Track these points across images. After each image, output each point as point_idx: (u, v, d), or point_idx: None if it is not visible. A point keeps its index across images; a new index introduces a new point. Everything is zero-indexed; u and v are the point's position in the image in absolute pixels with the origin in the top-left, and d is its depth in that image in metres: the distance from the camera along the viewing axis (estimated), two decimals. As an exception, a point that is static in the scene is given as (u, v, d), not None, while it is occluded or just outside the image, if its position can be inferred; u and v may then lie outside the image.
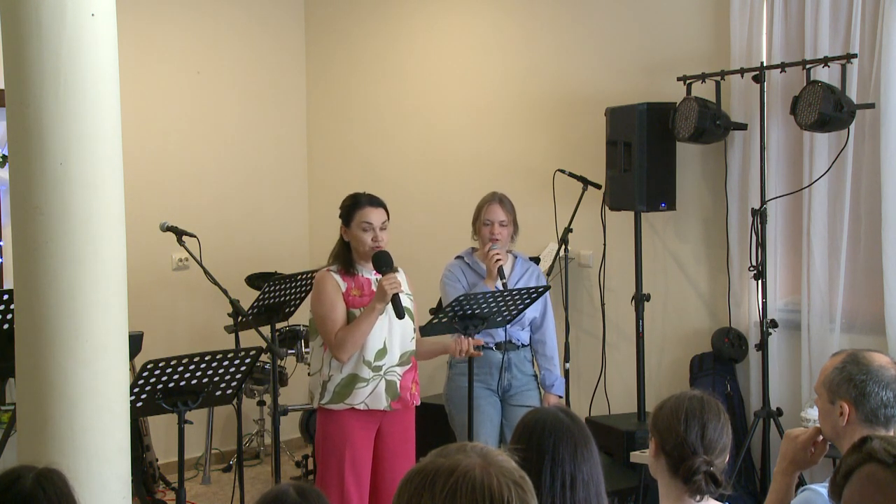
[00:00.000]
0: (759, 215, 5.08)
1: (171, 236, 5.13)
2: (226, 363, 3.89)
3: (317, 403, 4.36)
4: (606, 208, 5.62)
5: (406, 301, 4.34)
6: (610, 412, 5.83)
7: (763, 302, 5.13)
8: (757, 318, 5.24)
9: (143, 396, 3.76)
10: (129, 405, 3.48)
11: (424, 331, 4.55)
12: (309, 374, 4.58)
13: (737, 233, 5.39)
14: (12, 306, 3.71)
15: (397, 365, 4.33)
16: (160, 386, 3.77)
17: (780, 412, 5.08)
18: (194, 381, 3.83)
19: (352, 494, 4.23)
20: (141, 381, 3.73)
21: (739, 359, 5.40)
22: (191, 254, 5.00)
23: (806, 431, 2.89)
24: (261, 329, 4.95)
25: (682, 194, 5.57)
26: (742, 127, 5.29)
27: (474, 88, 6.59)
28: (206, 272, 4.85)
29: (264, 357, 5.17)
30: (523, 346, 4.94)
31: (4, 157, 5.54)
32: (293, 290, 5.53)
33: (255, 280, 6.21)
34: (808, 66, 4.92)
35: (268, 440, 6.63)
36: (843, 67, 4.83)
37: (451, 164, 6.67)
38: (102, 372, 3.33)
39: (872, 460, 1.82)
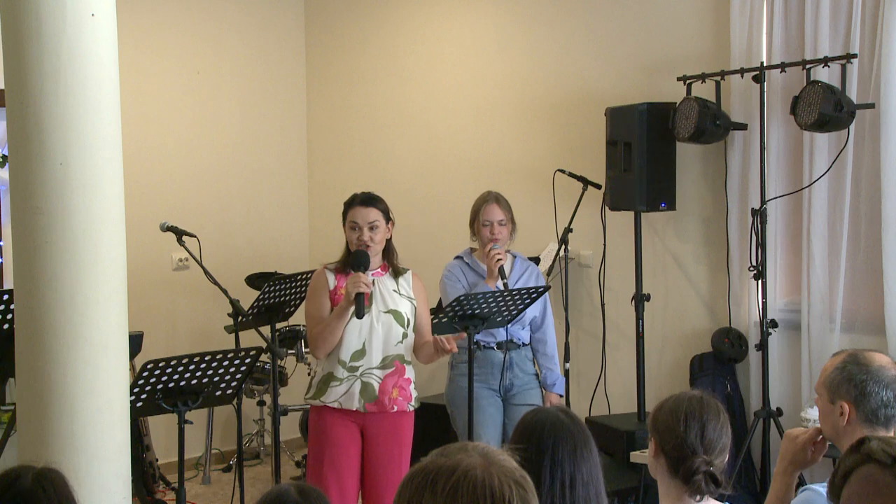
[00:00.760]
0: (759, 215, 5.08)
1: (171, 236, 5.12)
2: (226, 363, 3.89)
3: (304, 398, 4.42)
4: (606, 208, 5.62)
5: (400, 304, 4.31)
6: (610, 412, 5.83)
7: (763, 302, 5.13)
8: (757, 318, 5.24)
9: (143, 396, 3.76)
10: (129, 405, 3.49)
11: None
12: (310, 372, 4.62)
13: (737, 233, 5.39)
14: (12, 306, 3.70)
15: (376, 367, 4.26)
16: (160, 386, 3.77)
17: (780, 412, 5.08)
18: (194, 381, 3.83)
19: (331, 490, 4.18)
20: (141, 381, 3.72)
21: (739, 359, 5.40)
22: (191, 254, 5.00)
23: (806, 431, 2.89)
24: (261, 329, 4.95)
25: (682, 194, 5.57)
26: (742, 127, 5.29)
27: (474, 88, 6.59)
28: (206, 272, 4.85)
29: (264, 357, 5.17)
30: (524, 345, 4.93)
31: (4, 157, 5.54)
32: (293, 290, 5.53)
33: (255, 280, 6.21)
34: (808, 66, 4.92)
35: (268, 440, 6.63)
36: (843, 67, 4.83)
37: (452, 164, 6.67)
38: (102, 372, 3.33)
39: (871, 461, 1.82)
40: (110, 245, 3.37)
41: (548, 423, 2.45)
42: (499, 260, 4.75)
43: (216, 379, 3.89)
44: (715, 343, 5.45)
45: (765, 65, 5.13)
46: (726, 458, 2.56)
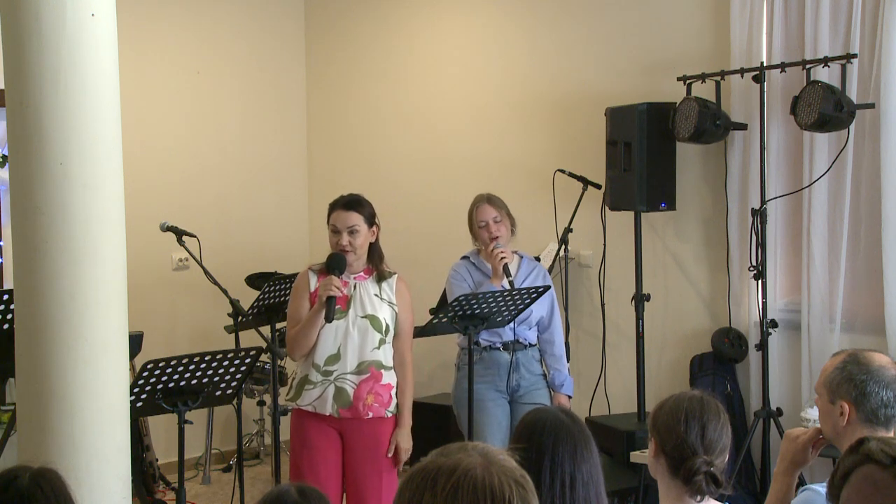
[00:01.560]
0: (759, 215, 5.08)
1: (171, 236, 5.13)
2: (226, 363, 3.89)
3: (285, 398, 4.42)
4: (606, 208, 5.62)
5: (383, 310, 4.25)
6: (610, 412, 5.82)
7: (763, 302, 5.13)
8: (757, 318, 5.24)
9: (143, 396, 3.76)
10: (129, 405, 3.49)
11: (425, 331, 4.55)
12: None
13: (737, 233, 5.39)
14: (12, 306, 3.71)
15: (351, 373, 4.20)
16: (160, 386, 3.77)
17: (780, 412, 5.08)
18: (194, 381, 3.82)
19: None
20: (141, 381, 3.72)
21: (739, 359, 5.40)
22: (191, 254, 5.00)
23: (806, 432, 2.89)
24: (261, 329, 4.96)
25: (682, 194, 5.57)
26: (742, 127, 5.29)
27: (474, 88, 6.59)
28: (206, 272, 4.85)
29: (264, 357, 5.17)
30: (531, 345, 4.92)
31: (4, 157, 5.54)
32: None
33: (255, 280, 6.21)
34: (808, 66, 4.92)
35: (268, 440, 6.63)
36: (843, 67, 4.83)
37: (452, 164, 6.67)
38: (102, 372, 3.33)
39: (870, 461, 1.82)
40: (110, 245, 3.37)
41: (548, 423, 2.45)
42: (503, 258, 4.74)
43: (216, 379, 3.89)
44: (715, 343, 5.45)
45: (765, 65, 5.12)
46: (726, 459, 2.56)
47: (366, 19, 7.10)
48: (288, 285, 5.50)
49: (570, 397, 5.01)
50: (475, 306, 4.34)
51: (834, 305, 5.06)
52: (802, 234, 5.16)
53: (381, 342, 4.24)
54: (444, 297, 5.28)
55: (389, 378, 4.29)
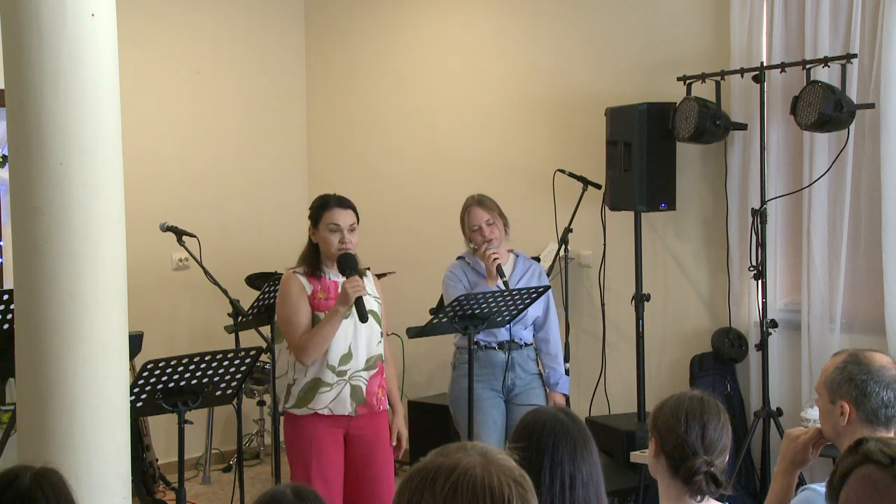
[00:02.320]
0: (759, 215, 5.08)
1: (171, 236, 5.13)
2: (226, 363, 3.89)
3: (282, 407, 4.31)
4: (606, 208, 5.62)
5: (372, 304, 4.25)
6: (610, 412, 5.83)
7: (763, 302, 5.13)
8: (757, 318, 5.24)
9: (143, 396, 3.76)
10: (129, 405, 3.49)
11: (425, 331, 4.55)
12: (275, 377, 4.49)
13: (737, 233, 5.39)
14: (12, 306, 3.71)
15: (363, 369, 4.22)
16: (160, 386, 3.77)
17: (780, 412, 5.08)
18: (194, 381, 3.83)
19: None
20: (141, 381, 3.73)
21: (739, 359, 5.40)
22: (191, 254, 5.01)
23: (807, 431, 2.89)
24: (261, 329, 4.96)
25: (682, 194, 5.57)
26: (742, 127, 5.29)
27: (474, 88, 6.59)
28: (206, 272, 4.86)
29: (264, 357, 5.17)
30: (526, 344, 4.92)
31: (4, 157, 5.55)
32: (293, 290, 5.52)
33: (255, 280, 6.22)
34: (808, 66, 4.92)
35: (268, 440, 6.64)
36: (843, 67, 4.83)
37: (451, 164, 6.67)
38: (102, 372, 3.33)
39: (869, 462, 1.83)
40: (110, 245, 3.37)
41: (548, 423, 2.44)
42: (496, 259, 4.74)
43: (216, 379, 3.89)
44: (715, 343, 5.45)
45: (765, 65, 5.12)
46: (726, 459, 2.56)
47: (366, 19, 7.10)
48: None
49: (566, 396, 5.00)
50: (475, 306, 4.34)
51: (834, 305, 5.06)
52: (802, 234, 5.16)
53: (381, 335, 4.31)
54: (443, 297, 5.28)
55: (387, 370, 4.39)
